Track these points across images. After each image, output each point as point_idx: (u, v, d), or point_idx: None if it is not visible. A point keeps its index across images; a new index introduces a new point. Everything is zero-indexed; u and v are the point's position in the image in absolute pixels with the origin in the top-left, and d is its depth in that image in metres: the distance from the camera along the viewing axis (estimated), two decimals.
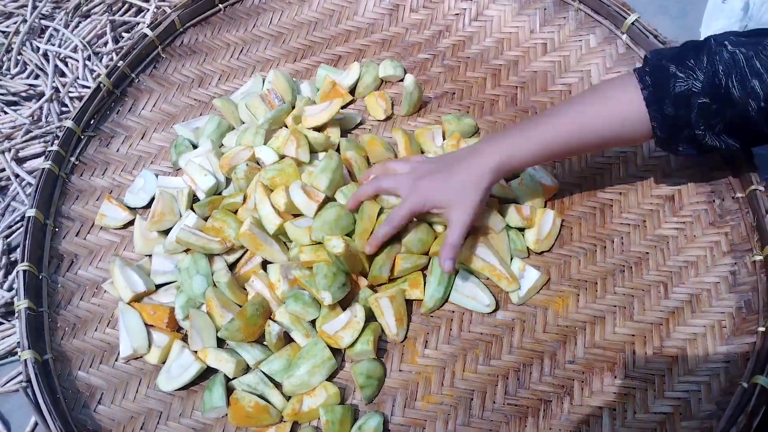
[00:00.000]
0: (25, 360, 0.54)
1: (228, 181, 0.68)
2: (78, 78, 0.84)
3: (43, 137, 0.80)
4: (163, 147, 0.74)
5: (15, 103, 0.85)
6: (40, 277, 0.61)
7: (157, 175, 0.70)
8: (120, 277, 0.59)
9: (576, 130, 0.54)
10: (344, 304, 0.58)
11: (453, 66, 0.76)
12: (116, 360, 0.58)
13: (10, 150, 0.79)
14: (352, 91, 0.75)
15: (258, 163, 0.66)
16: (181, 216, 0.65)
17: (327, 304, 0.55)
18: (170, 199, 0.66)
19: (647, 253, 0.61)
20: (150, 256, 0.64)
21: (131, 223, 0.67)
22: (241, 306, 0.58)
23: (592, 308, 0.59)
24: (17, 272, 0.59)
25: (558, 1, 0.76)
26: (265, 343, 0.57)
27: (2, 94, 0.85)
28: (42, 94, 0.84)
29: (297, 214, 0.62)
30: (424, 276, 0.60)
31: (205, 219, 0.63)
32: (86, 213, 0.68)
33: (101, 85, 0.71)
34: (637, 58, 0.70)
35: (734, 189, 0.60)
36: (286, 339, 0.58)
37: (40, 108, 0.82)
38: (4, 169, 0.79)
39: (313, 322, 0.58)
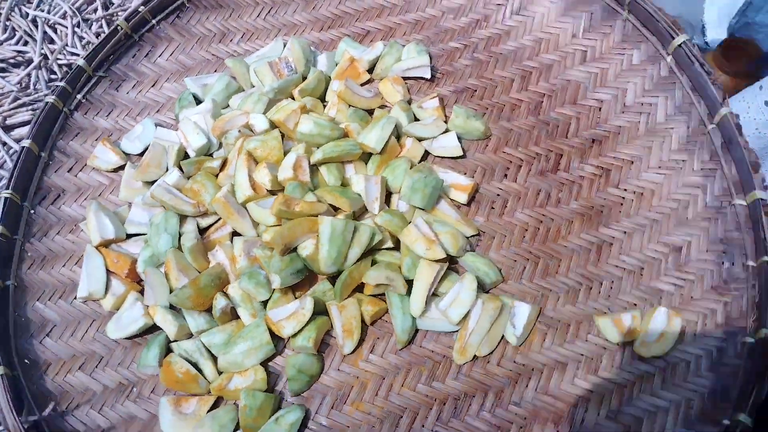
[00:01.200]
0: None
1: (220, 144, 0.75)
2: (67, 45, 0.92)
3: (31, 105, 0.87)
4: (172, 98, 0.83)
5: (3, 70, 0.92)
6: (22, 205, 0.71)
7: (157, 126, 0.79)
8: (93, 219, 0.68)
9: None
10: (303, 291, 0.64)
11: (482, 60, 0.80)
12: (74, 299, 0.68)
13: None
14: (371, 70, 0.81)
15: (251, 131, 0.73)
16: (167, 170, 0.73)
17: (274, 287, 0.61)
18: (161, 151, 0.74)
19: (635, 305, 0.63)
20: (131, 204, 0.73)
21: (123, 168, 0.76)
22: (199, 273, 0.65)
23: (557, 352, 0.62)
24: None
25: (607, 7, 0.78)
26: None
27: None
28: (30, 61, 0.92)
29: (278, 191, 0.68)
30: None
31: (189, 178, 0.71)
32: (82, 151, 0.78)
33: (118, 27, 0.81)
34: (679, 85, 0.71)
35: (747, 255, 0.60)
36: (235, 315, 0.65)
37: (28, 75, 0.89)
38: None
39: (266, 304, 0.64)
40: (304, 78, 0.79)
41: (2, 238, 0.68)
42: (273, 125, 0.72)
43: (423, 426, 0.60)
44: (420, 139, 0.73)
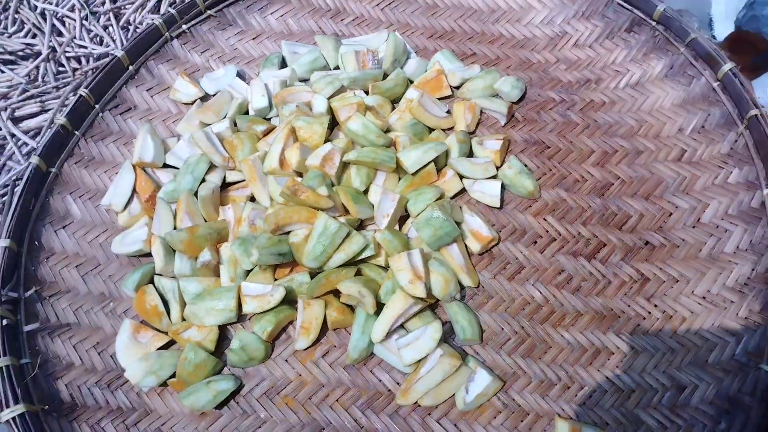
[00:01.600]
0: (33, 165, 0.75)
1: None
2: (75, 38, 0.95)
3: (40, 97, 0.90)
4: (265, 56, 0.89)
5: (12, 62, 0.96)
6: (94, 106, 0.81)
7: (238, 75, 0.85)
8: (140, 139, 0.76)
9: None
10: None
11: (573, 121, 0.79)
12: (99, 204, 0.76)
13: (6, 109, 0.89)
14: (457, 88, 0.83)
15: (309, 109, 0.77)
16: (224, 118, 0.79)
17: (251, 261, 0.64)
18: (227, 99, 0.81)
19: (607, 424, 0.59)
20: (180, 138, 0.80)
21: (202, 99, 0.84)
22: (206, 221, 0.70)
23: None
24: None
25: (727, 116, 0.75)
26: None
27: None
28: (39, 54, 0.95)
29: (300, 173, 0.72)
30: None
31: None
32: (167, 77, 0.87)
33: None
34: (764, 223, 0.67)
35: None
36: (218, 273, 0.69)
37: (37, 67, 0.93)
38: (0, 129, 0.89)
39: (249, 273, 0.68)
40: (385, 75, 0.82)
41: (63, 129, 0.78)
42: (330, 111, 0.76)
43: None
44: (462, 177, 0.73)
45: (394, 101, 0.81)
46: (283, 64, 0.87)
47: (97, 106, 0.82)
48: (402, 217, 0.72)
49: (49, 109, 0.89)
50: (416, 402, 0.62)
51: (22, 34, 0.97)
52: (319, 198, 0.65)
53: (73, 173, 0.78)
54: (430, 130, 0.78)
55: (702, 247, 0.69)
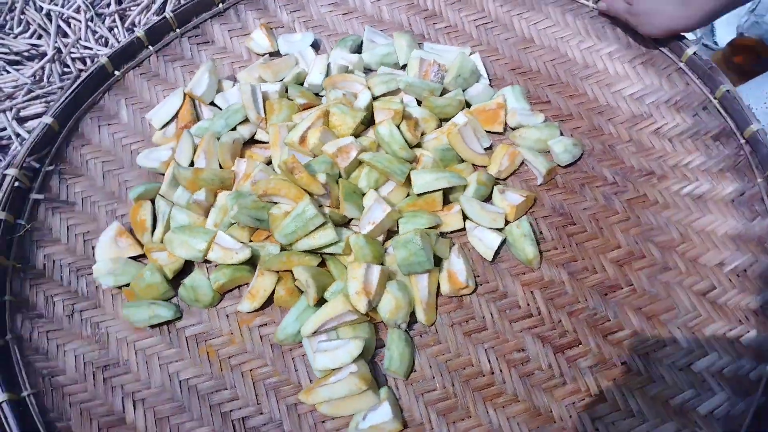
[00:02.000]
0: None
1: None
2: (80, 39, 0.99)
3: (45, 97, 0.94)
4: (346, 35, 0.93)
5: (17, 63, 0.99)
6: (176, 30, 0.91)
7: (314, 44, 0.91)
8: (198, 74, 0.86)
9: None
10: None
11: (612, 208, 0.77)
12: (143, 117, 0.86)
13: (11, 109, 0.92)
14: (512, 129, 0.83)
15: (353, 99, 0.81)
16: (280, 80, 0.86)
17: (230, 214, 0.70)
18: (290, 64, 0.88)
19: None
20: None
21: (273, 55, 0.91)
22: (221, 167, 0.77)
23: None
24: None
25: None
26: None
27: (4, 53, 0.98)
28: (44, 54, 0.98)
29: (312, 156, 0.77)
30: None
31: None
32: (251, 25, 0.94)
33: None
34: None
35: None
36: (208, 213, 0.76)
37: (42, 68, 0.96)
38: (5, 128, 0.91)
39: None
40: (444, 92, 0.84)
41: (137, 41, 0.88)
42: (370, 108, 0.80)
43: (227, 411, 0.66)
44: (466, 217, 0.74)
45: (444, 119, 0.83)
46: (360, 49, 0.91)
47: (178, 31, 0.91)
48: (393, 233, 0.74)
49: None
50: (316, 405, 0.65)
51: (27, 34, 1.01)
52: (311, 182, 0.69)
53: (135, 82, 0.89)
54: (462, 160, 0.79)
55: (675, 397, 0.65)
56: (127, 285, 0.73)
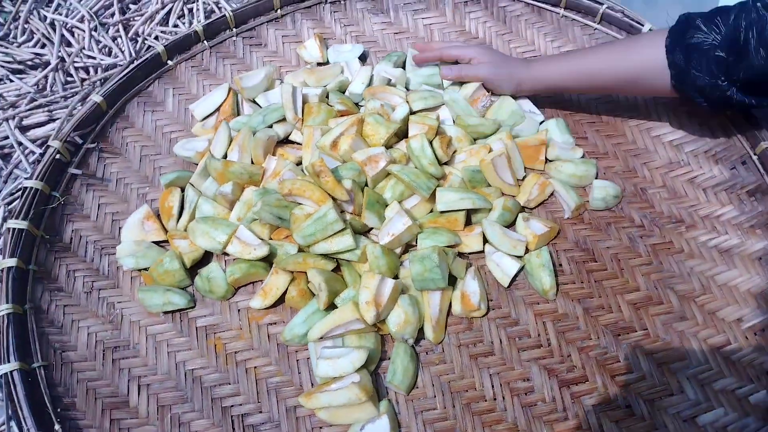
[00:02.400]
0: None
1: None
2: (84, 48, 1.00)
3: (48, 106, 0.94)
4: (396, 51, 0.96)
5: (21, 71, 1.00)
6: (232, 30, 0.93)
7: (362, 55, 0.93)
8: (254, 71, 0.89)
9: (606, 67, 0.76)
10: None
11: (636, 251, 0.76)
12: (187, 108, 0.89)
13: (14, 118, 0.92)
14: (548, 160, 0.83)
15: (390, 111, 0.83)
16: (323, 86, 0.88)
17: (253, 210, 0.71)
18: (336, 72, 0.90)
19: None
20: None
21: (321, 64, 0.93)
22: (252, 163, 0.79)
23: None
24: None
25: None
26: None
27: (8, 62, 0.99)
28: (48, 63, 0.99)
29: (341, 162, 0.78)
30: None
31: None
32: (305, 33, 0.96)
33: None
34: None
35: None
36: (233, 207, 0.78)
37: (45, 77, 0.97)
38: (7, 137, 0.92)
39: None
40: (486, 127, 0.83)
41: (194, 36, 0.91)
42: (405, 121, 0.81)
43: (228, 406, 0.67)
44: (486, 241, 0.74)
45: (477, 138, 0.84)
46: (405, 65, 0.93)
47: (234, 30, 0.94)
48: (411, 247, 0.75)
49: (57, 119, 0.93)
50: (315, 410, 0.65)
51: (31, 43, 1.02)
52: (336, 187, 0.70)
53: (185, 73, 0.92)
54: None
55: None
56: (147, 269, 0.74)
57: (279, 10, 0.96)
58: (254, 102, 0.88)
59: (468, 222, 0.77)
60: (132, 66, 0.87)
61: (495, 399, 0.67)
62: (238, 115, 0.86)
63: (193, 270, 0.75)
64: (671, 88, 0.73)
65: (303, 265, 0.70)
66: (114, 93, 0.85)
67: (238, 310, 0.73)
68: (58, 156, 0.78)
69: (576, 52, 0.81)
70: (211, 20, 0.92)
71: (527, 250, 0.75)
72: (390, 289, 0.67)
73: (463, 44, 0.92)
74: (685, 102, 0.85)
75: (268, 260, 0.73)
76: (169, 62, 0.90)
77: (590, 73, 0.78)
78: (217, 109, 0.86)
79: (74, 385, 0.68)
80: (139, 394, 0.68)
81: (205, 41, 0.93)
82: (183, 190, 0.80)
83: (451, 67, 0.86)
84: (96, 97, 0.83)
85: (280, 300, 0.72)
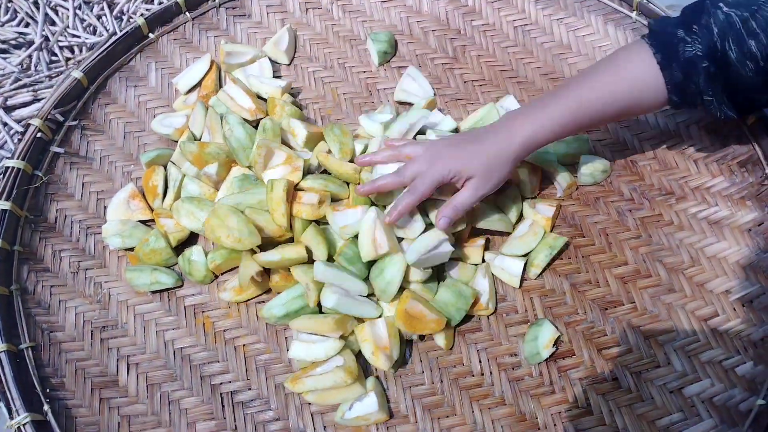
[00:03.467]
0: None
1: None
2: (68, 27, 0.97)
3: (32, 86, 0.93)
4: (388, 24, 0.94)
5: (4, 51, 0.98)
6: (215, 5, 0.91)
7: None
8: (280, 32, 0.89)
9: (596, 101, 0.66)
10: None
11: (625, 224, 0.76)
12: (170, 83, 0.87)
13: None
14: None
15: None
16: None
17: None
18: None
19: None
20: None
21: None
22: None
23: None
24: None
25: None
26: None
27: None
28: (31, 43, 0.97)
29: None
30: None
31: None
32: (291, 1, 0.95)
33: None
34: None
35: None
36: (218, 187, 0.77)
37: (29, 56, 0.95)
38: None
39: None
40: None
41: (175, 7, 0.90)
42: None
43: (217, 384, 0.68)
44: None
45: None
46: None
47: (216, 1, 0.92)
48: None
49: (42, 98, 0.92)
50: (302, 393, 0.66)
51: (14, 22, 1.00)
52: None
53: (167, 46, 0.90)
54: None
55: (662, 419, 0.65)
56: (133, 249, 0.74)
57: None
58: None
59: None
60: (112, 40, 0.85)
61: (482, 374, 0.68)
62: (221, 88, 0.85)
63: (180, 249, 0.74)
64: (667, 103, 0.67)
65: (289, 261, 0.69)
66: (95, 68, 0.84)
67: (225, 290, 0.73)
68: (39, 134, 0.77)
69: (559, 93, 0.68)
70: None
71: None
72: (386, 328, 0.66)
73: (398, 174, 0.69)
74: None
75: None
76: (151, 35, 0.89)
77: (586, 114, 0.67)
78: (199, 83, 0.85)
79: (63, 366, 0.68)
80: (128, 373, 0.69)
81: (187, 12, 0.91)
82: (166, 168, 0.79)
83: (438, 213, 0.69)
84: (76, 73, 0.81)
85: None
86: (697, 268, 0.73)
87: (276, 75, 0.89)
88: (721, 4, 0.61)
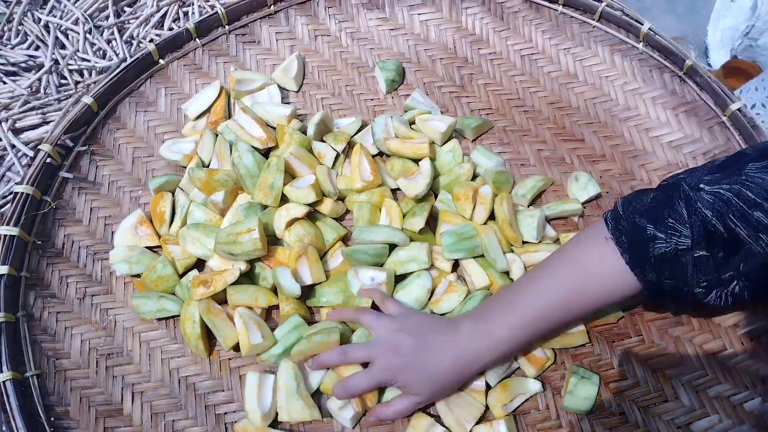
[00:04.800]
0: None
1: None
2: (78, 51, 0.99)
3: (41, 109, 0.94)
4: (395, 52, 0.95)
5: (14, 74, 0.99)
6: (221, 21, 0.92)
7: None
8: (288, 60, 0.90)
9: (559, 308, 0.63)
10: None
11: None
12: (179, 108, 0.88)
13: (7, 120, 0.92)
14: None
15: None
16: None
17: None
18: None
19: None
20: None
21: None
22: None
23: None
24: None
25: None
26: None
27: (2, 64, 0.99)
28: (41, 66, 0.98)
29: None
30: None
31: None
32: (300, 28, 0.96)
33: None
34: None
35: None
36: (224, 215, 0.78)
37: (39, 79, 0.96)
38: (0, 140, 0.91)
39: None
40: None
41: (186, 33, 0.90)
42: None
43: (221, 413, 0.68)
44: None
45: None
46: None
47: (227, 27, 0.93)
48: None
49: (51, 121, 0.93)
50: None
51: (25, 45, 1.01)
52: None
53: (177, 72, 0.91)
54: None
55: None
56: (140, 275, 0.75)
57: (272, 6, 0.95)
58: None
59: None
60: (123, 66, 0.86)
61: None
62: (230, 116, 0.86)
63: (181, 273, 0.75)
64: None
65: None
66: (105, 94, 0.85)
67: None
68: (48, 159, 0.78)
69: (517, 292, 0.65)
70: (202, 17, 0.91)
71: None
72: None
73: (363, 345, 0.67)
74: (685, 102, 0.86)
75: (249, 276, 0.74)
76: (161, 61, 0.90)
77: (551, 323, 0.64)
78: (209, 110, 0.86)
79: (68, 394, 0.68)
80: (132, 401, 0.69)
81: (197, 39, 0.92)
82: (174, 194, 0.80)
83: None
84: (87, 99, 0.82)
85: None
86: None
87: (284, 101, 0.89)
88: (702, 185, 0.56)
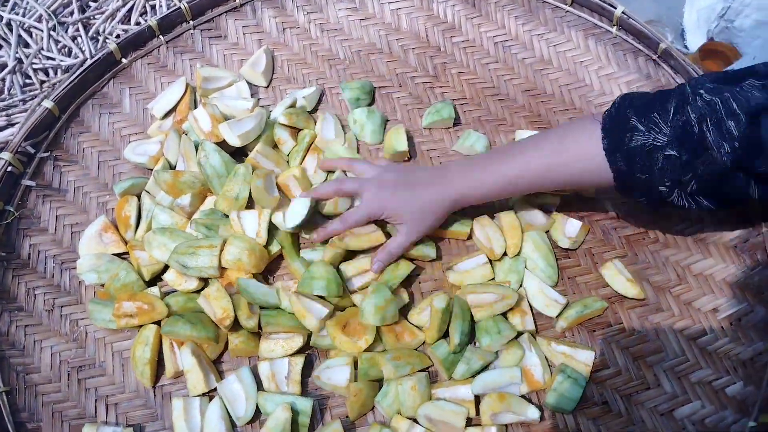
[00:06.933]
0: None
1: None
2: (42, 49, 0.96)
3: (6, 110, 0.92)
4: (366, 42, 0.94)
5: None
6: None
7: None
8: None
9: (540, 172, 0.67)
10: None
11: (607, 244, 0.76)
12: (145, 108, 0.87)
13: None
14: None
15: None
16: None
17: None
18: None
19: None
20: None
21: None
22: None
23: None
24: None
25: None
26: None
27: None
28: (4, 66, 0.96)
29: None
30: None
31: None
32: (267, 20, 0.94)
33: None
34: None
35: None
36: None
37: (3, 80, 0.94)
38: None
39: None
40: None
41: (148, 30, 0.89)
42: None
43: None
44: None
45: None
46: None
47: (191, 23, 0.91)
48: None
49: (16, 123, 0.90)
50: None
51: None
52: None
53: (141, 71, 0.89)
54: None
55: None
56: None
57: (242, 7, 0.94)
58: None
59: None
60: (84, 67, 0.84)
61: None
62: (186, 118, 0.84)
63: (153, 283, 0.73)
64: (615, 189, 0.66)
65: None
66: (66, 96, 0.83)
67: None
68: (9, 168, 0.76)
69: (501, 155, 0.70)
70: (165, 14, 0.89)
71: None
72: None
73: (354, 179, 0.76)
74: (661, 86, 0.85)
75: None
76: (124, 60, 0.88)
77: (525, 182, 0.68)
78: (174, 108, 0.84)
79: (39, 409, 0.68)
80: (107, 414, 0.68)
81: (160, 36, 0.90)
82: (140, 197, 0.78)
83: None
84: (47, 103, 0.80)
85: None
86: (684, 286, 0.74)
87: (253, 97, 0.88)
88: (701, 91, 0.57)
